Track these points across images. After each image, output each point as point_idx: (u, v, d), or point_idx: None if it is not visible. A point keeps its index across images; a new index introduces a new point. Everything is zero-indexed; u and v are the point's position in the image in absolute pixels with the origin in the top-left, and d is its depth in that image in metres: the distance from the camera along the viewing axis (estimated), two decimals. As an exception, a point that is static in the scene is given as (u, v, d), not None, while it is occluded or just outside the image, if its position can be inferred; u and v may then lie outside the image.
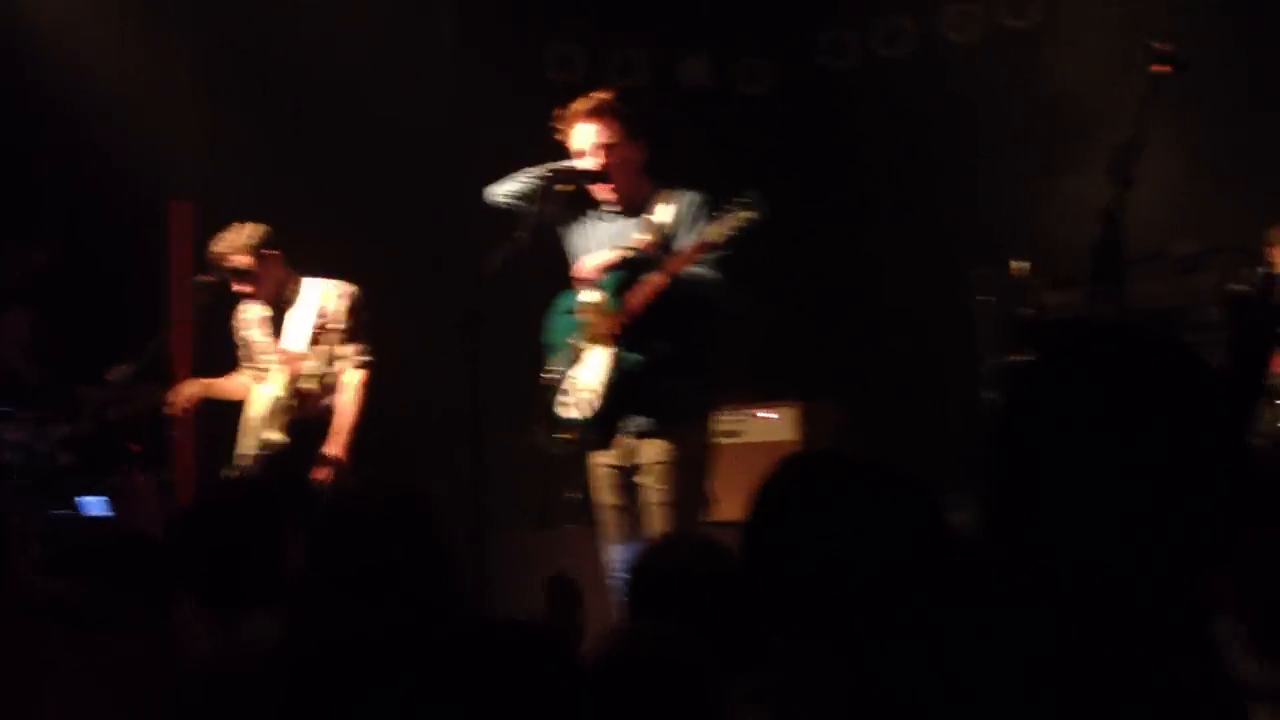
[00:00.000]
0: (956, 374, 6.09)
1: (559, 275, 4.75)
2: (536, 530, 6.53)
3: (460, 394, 4.57)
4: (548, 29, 7.51)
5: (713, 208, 4.46)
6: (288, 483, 5.18)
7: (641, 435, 4.50)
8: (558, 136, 4.60)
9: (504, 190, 4.65)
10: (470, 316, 4.34)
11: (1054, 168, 6.36)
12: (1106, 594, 1.32)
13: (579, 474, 5.75)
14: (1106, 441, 1.34)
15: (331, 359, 5.25)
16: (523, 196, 4.59)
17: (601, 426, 4.56)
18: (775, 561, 1.52)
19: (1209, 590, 1.38)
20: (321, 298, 5.35)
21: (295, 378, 5.27)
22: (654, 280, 4.42)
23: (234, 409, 5.52)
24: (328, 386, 5.29)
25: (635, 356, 4.48)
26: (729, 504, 5.75)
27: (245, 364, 5.57)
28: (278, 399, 5.32)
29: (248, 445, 5.40)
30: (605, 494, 4.61)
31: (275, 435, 5.30)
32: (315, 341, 5.31)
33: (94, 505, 6.00)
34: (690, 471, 4.48)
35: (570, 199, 4.65)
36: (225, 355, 5.65)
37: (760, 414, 6.27)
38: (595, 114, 4.56)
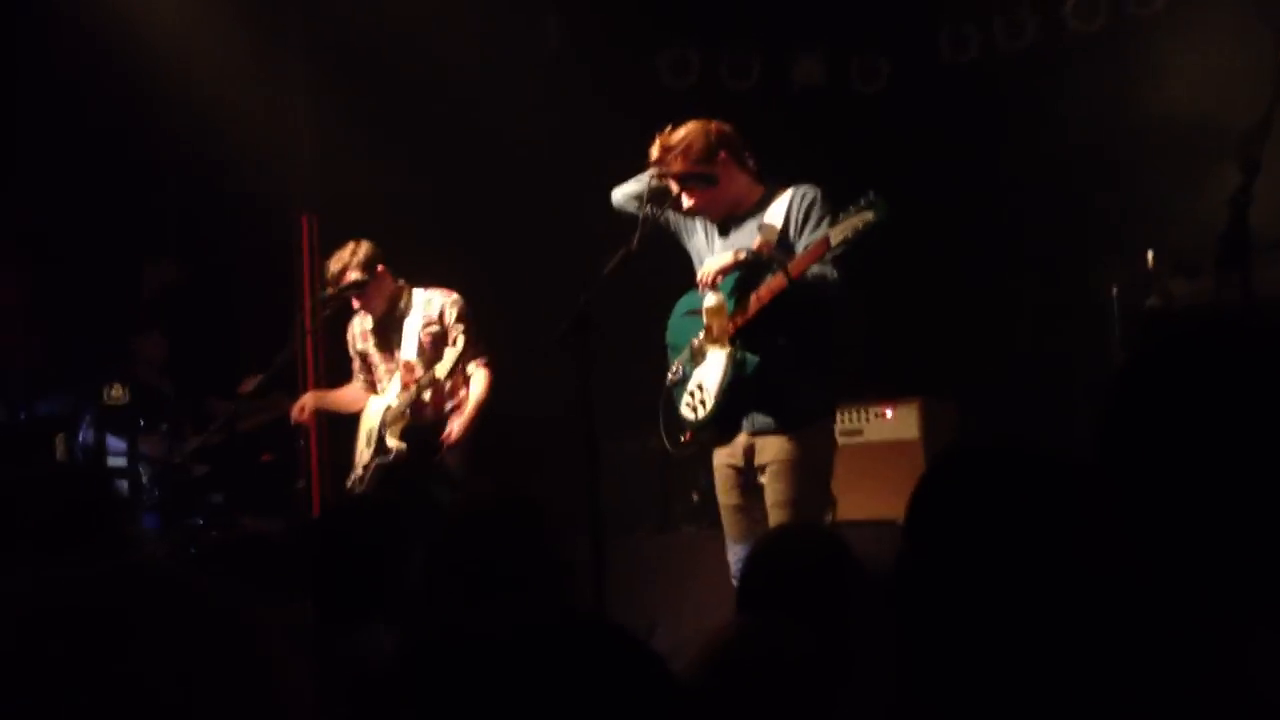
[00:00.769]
0: (1085, 368, 5.96)
1: (678, 278, 4.76)
2: (656, 534, 6.55)
3: (576, 399, 4.59)
4: (659, 33, 7.53)
5: (833, 204, 4.43)
6: (404, 491, 5.29)
7: (762, 434, 4.48)
8: (661, 173, 4.59)
9: (625, 190, 4.69)
10: (581, 320, 4.36)
11: (1184, 156, 6.19)
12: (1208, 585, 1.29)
13: (699, 476, 5.76)
14: (1215, 431, 1.31)
15: (456, 352, 5.34)
16: (640, 197, 4.61)
17: (721, 426, 4.56)
18: (938, 561, 1.43)
19: None
20: (429, 306, 5.46)
21: (409, 386, 5.37)
22: (772, 283, 4.40)
23: (356, 419, 5.64)
24: (442, 393, 5.38)
25: (754, 358, 4.47)
26: (849, 504, 5.72)
27: (360, 375, 5.70)
28: (390, 408, 5.43)
29: (365, 455, 5.51)
30: (726, 494, 4.61)
31: (392, 443, 5.40)
32: (425, 350, 5.41)
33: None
34: (811, 471, 4.46)
35: (684, 209, 4.66)
36: (345, 367, 5.78)
37: (881, 412, 6.22)
38: (700, 135, 4.56)
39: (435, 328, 5.47)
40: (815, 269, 4.35)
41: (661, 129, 4.62)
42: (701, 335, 4.61)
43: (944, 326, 6.93)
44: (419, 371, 5.38)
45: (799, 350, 4.47)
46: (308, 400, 5.73)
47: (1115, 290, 5.62)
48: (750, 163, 4.65)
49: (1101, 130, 6.72)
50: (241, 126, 6.76)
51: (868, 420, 6.21)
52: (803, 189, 4.54)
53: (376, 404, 5.57)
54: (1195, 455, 1.32)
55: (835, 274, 4.37)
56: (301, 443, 6.02)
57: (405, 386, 5.41)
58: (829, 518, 4.92)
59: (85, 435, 6.13)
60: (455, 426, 5.38)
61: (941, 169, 7.16)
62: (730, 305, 4.51)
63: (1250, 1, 6.01)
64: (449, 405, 5.45)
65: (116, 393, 6.10)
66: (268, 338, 6.12)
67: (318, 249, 6.16)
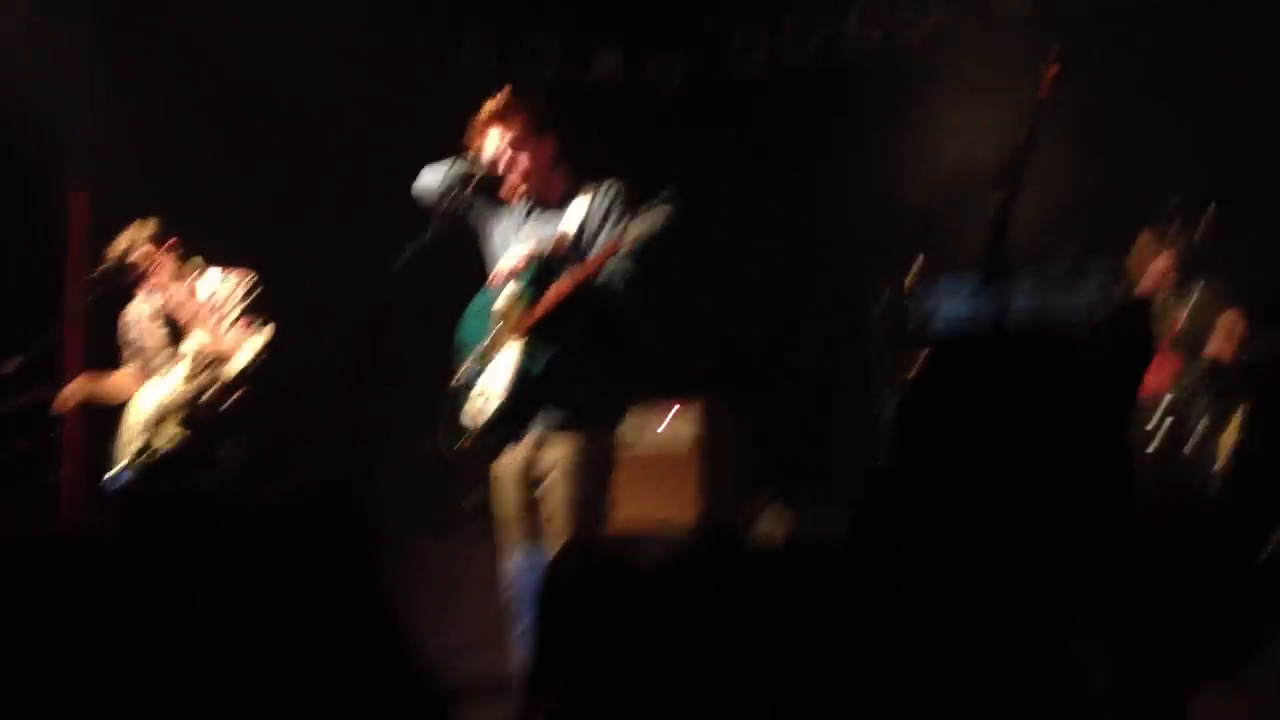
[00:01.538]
0: (854, 375, 6.12)
1: (473, 275, 4.71)
2: (427, 539, 6.47)
3: (361, 395, 4.52)
4: (459, 19, 7.46)
5: (632, 201, 4.43)
6: (175, 481, 5.11)
7: (549, 434, 4.45)
8: (469, 148, 4.56)
9: (424, 184, 4.62)
10: (376, 312, 4.29)
11: (949, 171, 6.43)
12: (973, 604, 1.33)
13: (474, 484, 5.71)
14: (987, 443, 1.35)
15: (237, 368, 5.17)
16: (439, 193, 4.56)
17: (507, 428, 4.52)
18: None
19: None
20: (222, 286, 5.29)
21: (197, 375, 5.18)
22: (569, 278, 4.39)
23: (115, 410, 5.43)
24: (230, 379, 5.21)
25: (546, 352, 4.45)
26: (628, 505, 5.76)
27: (133, 360, 5.47)
28: (174, 395, 5.24)
29: (136, 444, 5.30)
30: (512, 493, 4.56)
31: (173, 430, 5.21)
32: (215, 334, 5.23)
33: None
34: (596, 471, 4.45)
35: (486, 196, 4.61)
36: (115, 353, 5.55)
37: (660, 416, 6.26)
38: (500, 114, 4.53)
39: (225, 311, 5.27)
40: (612, 265, 4.35)
41: (469, 109, 4.57)
42: (493, 334, 4.57)
43: (722, 331, 7.03)
44: (213, 355, 5.20)
45: (591, 350, 4.46)
46: (75, 387, 5.48)
47: (882, 301, 5.78)
48: (555, 145, 4.62)
49: (874, 143, 6.91)
50: (12, 91, 6.47)
51: (647, 423, 6.25)
52: (605, 185, 4.54)
53: (153, 391, 5.35)
54: (973, 468, 1.34)
55: (633, 269, 4.37)
56: (54, 433, 5.69)
57: (193, 375, 5.21)
58: (611, 520, 4.93)
59: None
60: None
61: (728, 172, 7.26)
62: (526, 298, 4.48)
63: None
64: (232, 398, 5.26)
65: None
66: (32, 320, 5.84)
67: (89, 226, 5.90)
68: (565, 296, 4.39)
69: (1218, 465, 5.21)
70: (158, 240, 5.27)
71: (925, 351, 1.51)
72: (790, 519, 6.06)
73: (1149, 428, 5.32)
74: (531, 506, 4.50)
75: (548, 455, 4.45)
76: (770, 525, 6.12)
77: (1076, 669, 1.42)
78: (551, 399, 4.45)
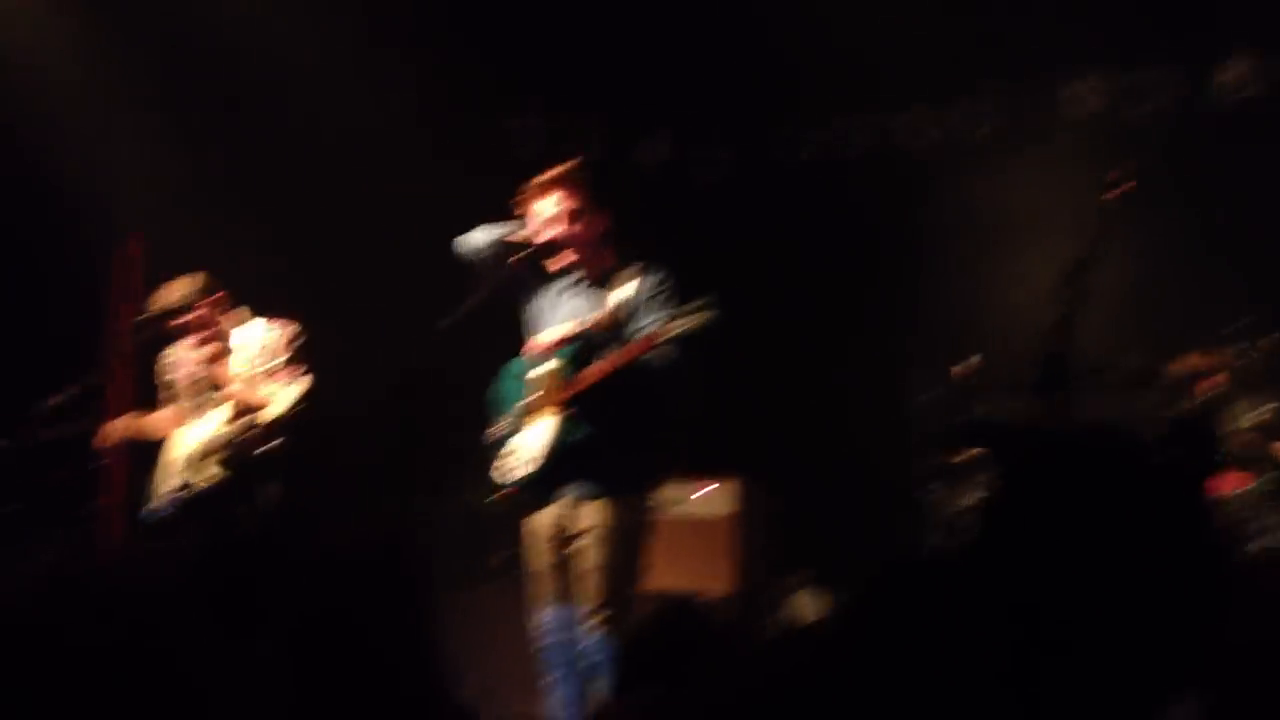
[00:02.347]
0: (897, 465, 6.14)
1: (512, 339, 4.76)
2: (456, 590, 6.47)
3: (396, 451, 4.57)
4: (507, 100, 7.58)
5: (674, 294, 4.50)
6: (213, 521, 5.15)
7: (581, 501, 4.50)
8: (518, 212, 4.63)
9: (469, 244, 4.66)
10: (412, 376, 4.35)
11: (1003, 278, 6.47)
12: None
13: (509, 536, 5.74)
14: (1078, 551, 1.38)
15: (274, 413, 5.22)
16: (483, 255, 4.61)
17: (541, 490, 4.57)
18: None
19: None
20: (266, 337, 5.36)
21: (239, 418, 5.24)
22: (608, 360, 4.44)
23: (157, 445, 5.49)
24: (268, 425, 5.26)
25: (583, 427, 4.50)
26: (659, 573, 5.77)
27: (173, 401, 5.55)
28: (215, 437, 5.30)
29: (170, 485, 5.35)
30: (541, 557, 4.60)
31: (212, 471, 5.26)
32: (257, 382, 5.30)
33: None
34: (628, 539, 4.49)
35: (529, 269, 4.67)
36: (155, 391, 5.62)
37: (697, 488, 6.31)
38: (558, 183, 4.61)
39: (269, 360, 5.35)
40: (652, 352, 4.41)
41: (514, 187, 4.64)
42: (532, 399, 4.61)
43: (764, 414, 7.06)
44: (249, 404, 5.27)
45: (627, 426, 4.51)
46: (119, 424, 5.54)
47: (929, 395, 5.83)
48: (608, 221, 4.69)
49: (927, 242, 6.97)
50: (78, 139, 6.58)
51: (684, 495, 6.29)
52: (651, 271, 4.61)
53: (194, 431, 5.42)
54: (1059, 572, 1.38)
55: (672, 353, 4.43)
56: (98, 466, 5.76)
57: (233, 419, 5.27)
58: (642, 585, 4.95)
59: None
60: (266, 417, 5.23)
61: (772, 261, 7.33)
62: (566, 373, 4.54)
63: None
64: (272, 443, 5.31)
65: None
66: (78, 355, 5.90)
67: (141, 269, 5.98)
68: (601, 378, 4.45)
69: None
70: (206, 292, 5.36)
71: (983, 452, 1.55)
72: (824, 601, 6.07)
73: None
74: (562, 565, 4.55)
75: (580, 517, 4.50)
76: (803, 605, 6.13)
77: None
78: (586, 468, 4.51)
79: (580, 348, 4.54)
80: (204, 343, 5.42)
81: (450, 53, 7.22)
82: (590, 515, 4.48)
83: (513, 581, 5.03)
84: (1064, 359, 3.66)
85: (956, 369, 5.74)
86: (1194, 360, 5.32)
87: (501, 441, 4.66)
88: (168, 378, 5.58)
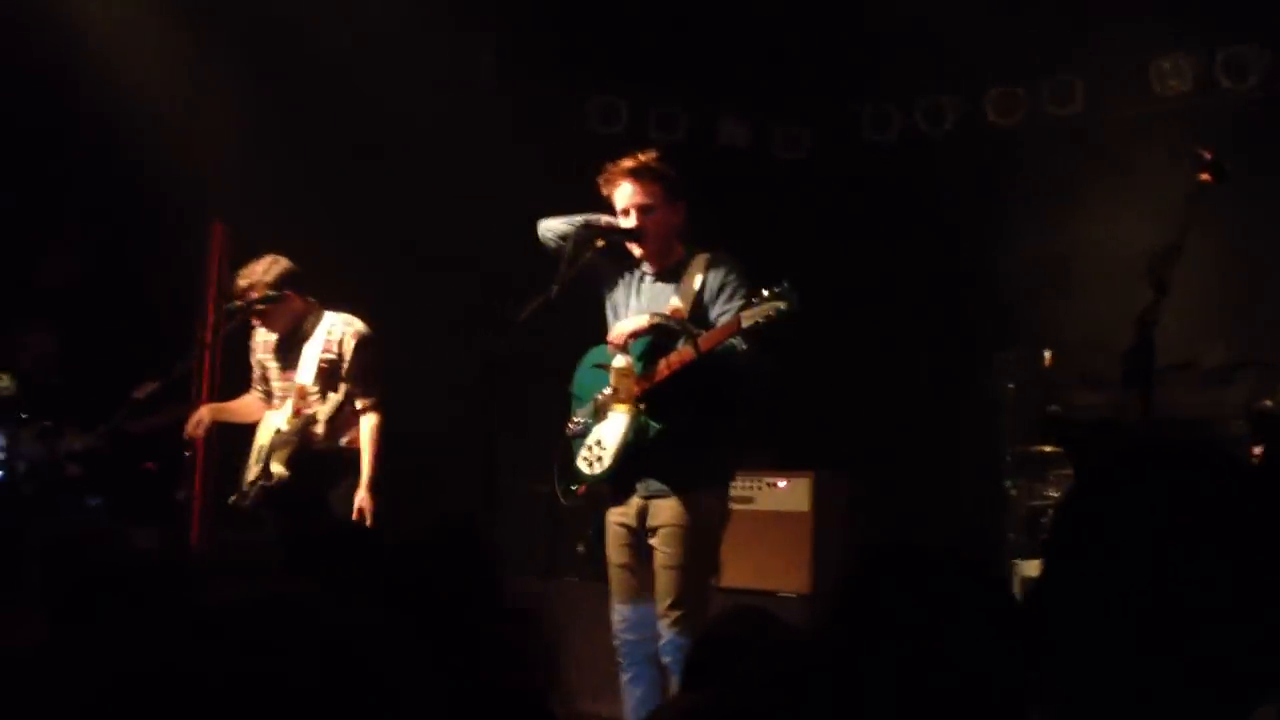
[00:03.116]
0: (974, 456, 6.09)
1: (592, 327, 4.77)
2: (539, 580, 6.53)
3: (479, 439, 4.58)
4: (590, 80, 7.58)
5: (749, 281, 4.47)
6: (287, 518, 5.20)
7: (655, 497, 4.50)
8: (602, 191, 4.63)
9: (551, 226, 4.67)
10: (490, 364, 4.36)
11: (1086, 258, 6.37)
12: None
13: (586, 527, 5.76)
14: (1163, 556, 1.36)
15: (339, 396, 5.25)
16: (565, 238, 4.61)
17: (616, 485, 4.57)
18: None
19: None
20: (331, 332, 5.38)
21: (299, 413, 5.27)
22: (682, 352, 4.43)
23: (249, 432, 5.55)
24: (334, 425, 5.29)
25: (657, 424, 4.49)
26: (736, 570, 5.76)
27: (258, 385, 5.60)
28: (280, 432, 5.34)
29: (254, 472, 5.42)
30: (616, 552, 4.61)
31: (277, 469, 5.30)
32: (321, 375, 5.32)
33: None
34: (701, 536, 4.48)
35: (610, 253, 4.66)
36: (246, 376, 5.69)
37: (774, 482, 6.27)
38: (636, 174, 4.59)
39: (332, 355, 5.37)
40: (727, 345, 4.38)
41: (595, 169, 4.63)
42: (607, 392, 4.61)
43: (841, 402, 7.03)
44: (311, 399, 5.29)
45: (701, 418, 4.49)
46: (204, 414, 5.61)
47: (1012, 385, 5.76)
48: (683, 214, 4.68)
49: (1012, 223, 6.88)
50: (164, 128, 6.66)
51: (760, 489, 6.25)
52: (722, 260, 4.58)
53: (272, 420, 5.48)
54: (1142, 576, 1.36)
55: (745, 346, 4.40)
56: (188, 454, 5.88)
57: (296, 413, 5.31)
58: (715, 583, 4.94)
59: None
60: (364, 500, 5.26)
61: (852, 243, 7.27)
62: (639, 368, 4.53)
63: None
64: (344, 439, 5.33)
65: (3, 382, 5.94)
66: (167, 343, 6.00)
67: (227, 259, 6.06)
68: (675, 371, 4.44)
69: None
70: (283, 281, 5.36)
71: (1074, 444, 1.52)
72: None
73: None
74: (637, 560, 4.55)
75: (656, 514, 4.49)
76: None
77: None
78: (660, 465, 4.49)
79: (653, 341, 4.52)
80: (278, 329, 5.45)
81: (532, 34, 7.24)
82: (664, 512, 4.47)
83: (596, 572, 5.05)
84: (1148, 352, 3.58)
85: (1046, 355, 5.66)
86: None
87: (580, 434, 4.66)
88: (256, 357, 5.62)
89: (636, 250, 4.63)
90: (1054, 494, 5.53)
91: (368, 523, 5.14)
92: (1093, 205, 6.44)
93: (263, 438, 5.46)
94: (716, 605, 4.30)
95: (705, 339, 4.38)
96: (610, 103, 7.70)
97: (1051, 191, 6.73)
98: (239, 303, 5.34)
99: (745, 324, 4.28)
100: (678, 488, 4.46)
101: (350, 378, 5.29)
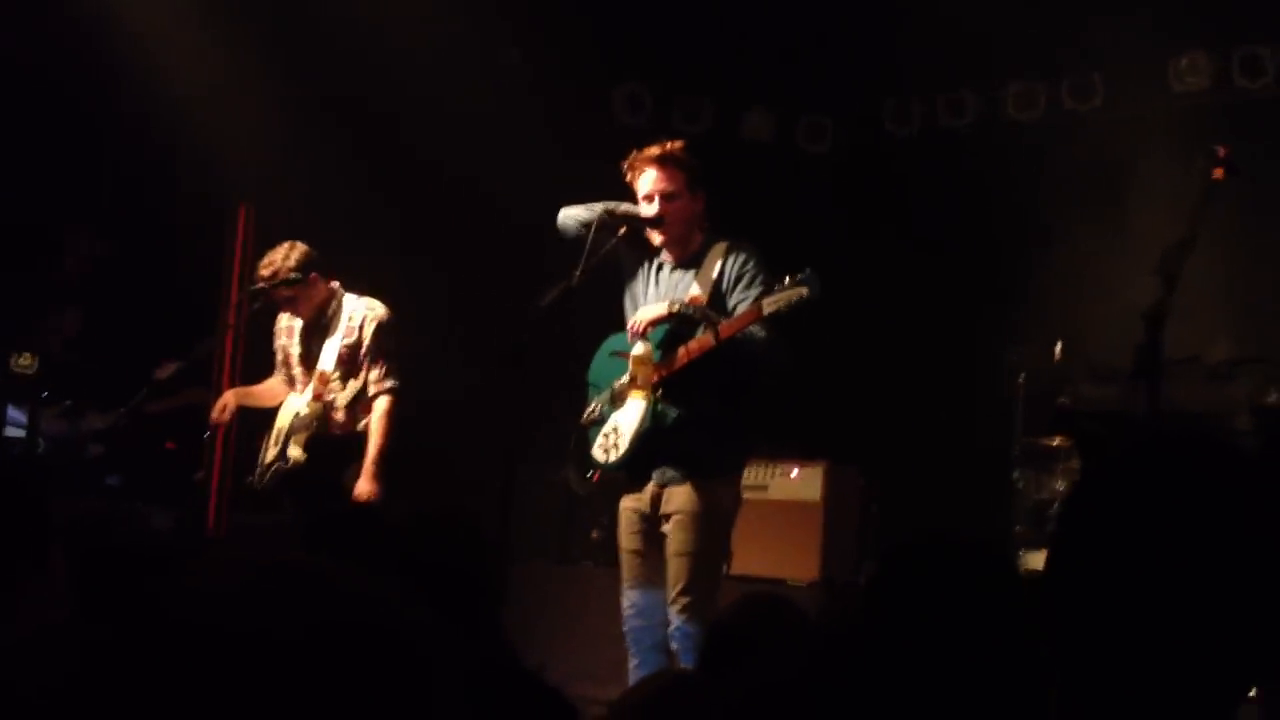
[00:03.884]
0: (986, 448, 6.10)
1: (611, 314, 4.80)
2: (554, 566, 6.58)
3: (498, 424, 4.63)
4: (615, 69, 7.61)
5: (769, 269, 4.50)
6: (302, 501, 5.25)
7: (669, 484, 4.53)
8: (626, 177, 4.66)
9: (572, 214, 4.71)
10: (514, 350, 4.40)
11: (1100, 253, 6.38)
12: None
13: (601, 514, 5.80)
14: (1170, 549, 1.38)
15: (359, 383, 5.29)
16: (587, 225, 4.65)
17: (631, 472, 4.61)
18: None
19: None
20: (353, 317, 5.42)
21: (319, 398, 5.32)
22: (701, 340, 4.46)
23: (269, 415, 5.60)
24: (353, 411, 5.33)
25: (674, 411, 4.52)
26: (746, 558, 5.80)
27: (281, 369, 5.65)
28: (299, 415, 5.39)
29: (271, 454, 5.47)
30: (628, 538, 4.65)
31: (294, 451, 5.35)
32: (343, 361, 5.37)
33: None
34: (714, 524, 4.51)
35: (630, 240, 4.70)
36: (267, 359, 5.74)
37: (787, 471, 6.30)
38: (660, 162, 4.62)
39: (353, 340, 5.42)
40: (745, 333, 4.42)
41: (619, 159, 4.65)
42: (624, 379, 4.64)
43: (855, 393, 7.05)
44: (333, 383, 5.35)
45: (717, 408, 4.53)
46: (229, 399, 5.66)
47: (1023, 377, 5.78)
48: (703, 204, 4.70)
49: (1027, 218, 6.89)
50: (191, 110, 6.71)
51: (773, 478, 6.29)
52: (741, 249, 4.60)
53: (293, 403, 5.53)
54: (1148, 568, 1.38)
55: (764, 334, 4.43)
56: (207, 435, 5.93)
57: (316, 397, 5.36)
58: (727, 570, 4.96)
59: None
60: (363, 485, 5.27)
61: (872, 235, 7.29)
62: (657, 355, 4.56)
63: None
64: (360, 424, 5.38)
65: (25, 361, 5.99)
66: (190, 325, 6.06)
67: (252, 241, 6.12)
68: (693, 358, 4.47)
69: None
70: (306, 266, 5.40)
71: (1084, 437, 1.54)
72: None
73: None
74: (648, 546, 4.58)
75: (669, 500, 4.52)
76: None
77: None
78: (675, 451, 4.52)
79: (672, 329, 4.55)
80: (303, 314, 5.50)
81: (559, 24, 7.27)
82: (677, 499, 4.50)
83: (611, 558, 5.09)
84: (1157, 346, 3.60)
85: (1057, 349, 5.67)
86: None
87: (596, 422, 4.70)
88: (279, 342, 5.67)
89: (657, 238, 4.66)
90: (1061, 486, 5.55)
91: (361, 498, 5.17)
92: (1109, 199, 6.46)
93: (282, 420, 5.50)
94: (726, 593, 4.33)
95: (725, 326, 4.41)
96: (635, 93, 7.74)
97: (1069, 185, 6.74)
98: (264, 285, 5.39)
99: (766, 311, 4.31)
100: (692, 475, 4.49)
101: (367, 359, 5.34)
